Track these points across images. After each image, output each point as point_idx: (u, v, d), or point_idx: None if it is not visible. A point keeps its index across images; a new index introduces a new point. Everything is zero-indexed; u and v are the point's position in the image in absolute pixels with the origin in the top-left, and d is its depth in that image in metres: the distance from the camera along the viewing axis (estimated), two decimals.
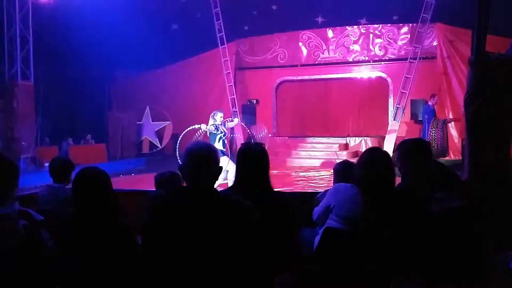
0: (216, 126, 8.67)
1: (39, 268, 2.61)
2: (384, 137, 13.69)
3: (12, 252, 2.49)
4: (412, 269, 3.38)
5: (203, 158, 2.40)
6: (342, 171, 4.10)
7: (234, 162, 3.79)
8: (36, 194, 4.41)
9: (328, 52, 15.89)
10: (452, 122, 13.19)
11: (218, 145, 8.55)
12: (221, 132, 8.73)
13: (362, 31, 15.52)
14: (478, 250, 3.38)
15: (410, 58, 13.64)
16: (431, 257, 3.27)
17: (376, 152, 3.51)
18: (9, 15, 11.72)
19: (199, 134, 9.85)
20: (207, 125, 8.83)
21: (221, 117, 8.84)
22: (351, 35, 15.65)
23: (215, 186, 2.53)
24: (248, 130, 11.86)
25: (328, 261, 3.13)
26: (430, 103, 12.11)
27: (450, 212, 3.29)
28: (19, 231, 2.54)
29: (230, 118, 9.22)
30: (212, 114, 8.86)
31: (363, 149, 13.66)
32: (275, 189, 3.27)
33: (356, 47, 15.61)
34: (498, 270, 3.79)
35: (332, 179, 4.50)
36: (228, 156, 8.66)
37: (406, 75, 13.50)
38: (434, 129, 11.89)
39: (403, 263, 3.27)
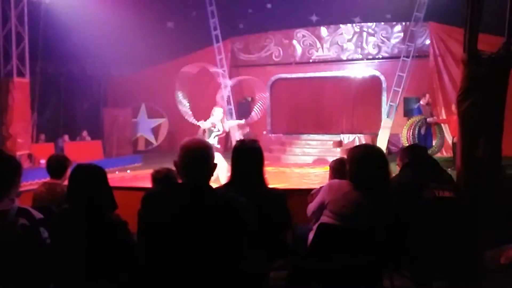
0: (214, 124, 8.68)
1: (37, 266, 2.58)
2: (377, 134, 13.76)
3: (9, 249, 2.48)
4: (404, 264, 3.42)
5: (198, 155, 2.41)
6: (338, 168, 4.13)
7: (228, 159, 3.79)
8: (32, 191, 4.41)
9: (322, 50, 15.93)
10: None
11: (213, 141, 8.54)
12: (218, 130, 8.74)
13: (356, 29, 15.55)
14: (470, 245, 3.40)
15: (403, 56, 13.72)
16: (423, 251, 3.29)
17: (370, 149, 3.55)
18: (4, 12, 11.64)
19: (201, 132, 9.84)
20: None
21: (220, 112, 8.83)
22: (345, 33, 15.68)
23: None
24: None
25: (322, 256, 3.11)
26: (421, 102, 12.15)
27: (442, 200, 3.35)
28: (18, 229, 2.52)
29: (234, 120, 9.28)
30: (212, 110, 8.87)
31: None
32: (270, 186, 3.30)
33: (350, 46, 15.65)
34: (490, 265, 3.82)
35: (327, 175, 4.56)
36: (220, 153, 8.59)
37: (399, 73, 13.58)
38: (406, 127, 11.97)
39: (396, 258, 3.31)
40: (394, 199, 3.27)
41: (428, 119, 11.91)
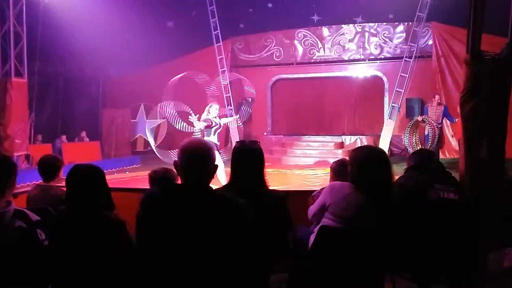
0: (209, 121, 8.59)
1: (34, 268, 2.56)
2: (380, 135, 13.72)
3: (6, 252, 2.44)
4: (406, 267, 3.40)
5: (199, 156, 2.37)
6: (339, 169, 4.13)
7: (228, 159, 3.75)
8: (27, 193, 4.36)
9: (324, 51, 15.92)
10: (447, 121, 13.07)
11: (213, 138, 8.48)
12: (216, 125, 8.65)
13: (358, 29, 15.55)
14: (472, 247, 3.40)
15: (406, 57, 13.67)
16: (425, 254, 3.28)
17: (372, 151, 3.51)
18: (2, 12, 11.63)
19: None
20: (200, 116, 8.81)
21: (216, 109, 8.76)
22: (346, 33, 15.68)
23: None
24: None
25: (324, 259, 3.10)
26: (433, 103, 12.04)
27: (447, 202, 3.35)
28: (14, 232, 2.48)
29: (229, 117, 9.26)
30: (208, 106, 8.80)
31: None
32: (270, 187, 3.26)
33: (352, 46, 15.64)
34: (492, 268, 3.79)
35: (328, 177, 4.53)
36: (219, 151, 8.52)
37: (402, 74, 13.54)
38: (408, 128, 11.92)
39: (397, 261, 3.28)
40: (398, 200, 3.24)
41: (418, 118, 11.90)
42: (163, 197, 2.41)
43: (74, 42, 13.33)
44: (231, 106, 15.55)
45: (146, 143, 17.20)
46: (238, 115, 11.66)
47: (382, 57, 15.35)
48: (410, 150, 11.21)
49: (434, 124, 11.37)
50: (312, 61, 16.15)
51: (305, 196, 4.31)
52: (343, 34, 15.72)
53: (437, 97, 11.95)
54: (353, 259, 2.99)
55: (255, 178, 3.15)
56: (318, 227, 3.30)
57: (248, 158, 3.18)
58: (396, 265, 3.32)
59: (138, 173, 11.63)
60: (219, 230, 2.28)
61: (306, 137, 15.66)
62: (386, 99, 14.98)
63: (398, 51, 14.85)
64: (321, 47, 15.94)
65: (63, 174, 4.18)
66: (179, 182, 2.47)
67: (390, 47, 15.13)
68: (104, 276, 2.69)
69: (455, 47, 13.36)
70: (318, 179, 10.86)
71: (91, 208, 2.78)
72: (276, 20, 15.54)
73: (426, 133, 11.74)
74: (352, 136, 15.23)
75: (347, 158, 3.64)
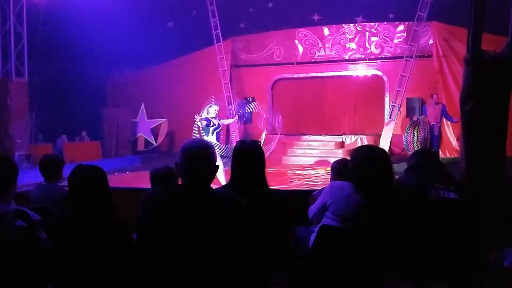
0: (207, 120, 8.59)
1: (35, 267, 2.58)
2: (380, 135, 13.71)
3: (7, 251, 2.46)
4: (406, 267, 3.38)
5: (199, 156, 2.37)
6: (339, 169, 4.11)
7: (228, 159, 3.76)
8: (28, 192, 4.35)
9: (324, 50, 15.87)
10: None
11: (212, 138, 8.48)
12: (214, 125, 8.66)
13: (358, 29, 15.50)
14: (472, 247, 3.39)
15: (406, 57, 13.68)
16: (425, 254, 3.27)
17: (373, 150, 3.51)
18: (3, 11, 11.64)
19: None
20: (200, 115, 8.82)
21: (215, 110, 8.77)
22: (347, 33, 15.63)
23: None
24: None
25: (324, 259, 3.11)
26: (431, 102, 12.03)
27: (447, 201, 3.33)
28: (15, 231, 2.50)
29: (228, 119, 9.25)
30: (207, 106, 8.81)
31: None
32: (271, 187, 3.26)
33: (352, 45, 15.59)
34: (492, 268, 3.79)
35: (329, 177, 4.53)
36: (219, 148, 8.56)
37: (402, 73, 13.55)
38: (408, 128, 11.92)
39: (397, 261, 3.27)
40: (398, 200, 3.24)
41: (414, 118, 11.91)
42: (164, 197, 2.41)
43: (75, 42, 13.32)
44: (231, 105, 15.55)
45: (147, 142, 17.21)
46: (237, 117, 11.63)
47: (383, 56, 15.30)
48: (410, 150, 11.22)
49: (426, 126, 11.40)
50: (312, 60, 16.09)
51: (306, 196, 4.29)
52: (343, 33, 15.67)
53: (435, 96, 11.96)
54: (354, 258, 2.99)
55: (256, 177, 3.13)
56: (318, 226, 3.30)
57: (249, 157, 3.17)
58: (396, 265, 3.30)
59: (139, 173, 11.60)
60: (220, 230, 2.28)
61: (306, 137, 15.61)
62: (386, 99, 14.93)
63: (399, 50, 14.79)
64: (321, 47, 15.89)
65: (64, 173, 4.19)
66: (180, 181, 2.47)
67: (390, 47, 15.08)
68: (104, 276, 2.69)
69: (456, 46, 13.32)
70: (318, 178, 10.85)
71: (92, 208, 2.78)
72: (277, 20, 15.50)
73: (424, 136, 11.77)
74: (352, 136, 15.17)
75: (348, 157, 3.63)
